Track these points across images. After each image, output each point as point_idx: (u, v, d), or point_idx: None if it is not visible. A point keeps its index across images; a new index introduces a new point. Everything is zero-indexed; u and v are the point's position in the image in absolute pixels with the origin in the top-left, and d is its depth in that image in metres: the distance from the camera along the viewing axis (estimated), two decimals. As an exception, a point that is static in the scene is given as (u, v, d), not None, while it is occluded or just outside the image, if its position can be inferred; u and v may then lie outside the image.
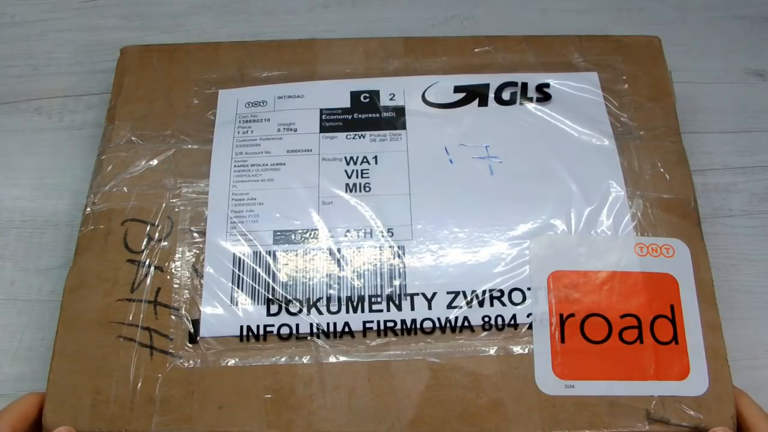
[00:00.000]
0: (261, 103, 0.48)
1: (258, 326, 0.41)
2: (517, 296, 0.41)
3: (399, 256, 0.43)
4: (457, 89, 0.48)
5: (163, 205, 0.44)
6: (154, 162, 0.46)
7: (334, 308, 0.41)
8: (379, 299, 0.41)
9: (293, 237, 0.43)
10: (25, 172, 0.51)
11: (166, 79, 0.49)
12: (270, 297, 0.42)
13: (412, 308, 0.41)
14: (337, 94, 0.48)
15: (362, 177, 0.45)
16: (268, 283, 0.42)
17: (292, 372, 0.40)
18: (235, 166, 0.45)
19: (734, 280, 0.47)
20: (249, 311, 0.41)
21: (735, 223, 0.49)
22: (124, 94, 0.48)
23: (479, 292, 0.41)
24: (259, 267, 0.42)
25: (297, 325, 0.41)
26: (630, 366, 0.40)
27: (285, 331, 0.41)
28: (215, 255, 0.43)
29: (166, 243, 0.43)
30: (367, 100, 0.48)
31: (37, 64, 0.55)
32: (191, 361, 0.40)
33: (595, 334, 0.40)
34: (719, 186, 0.51)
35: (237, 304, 0.41)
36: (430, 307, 0.41)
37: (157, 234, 0.43)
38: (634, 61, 0.49)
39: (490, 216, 0.44)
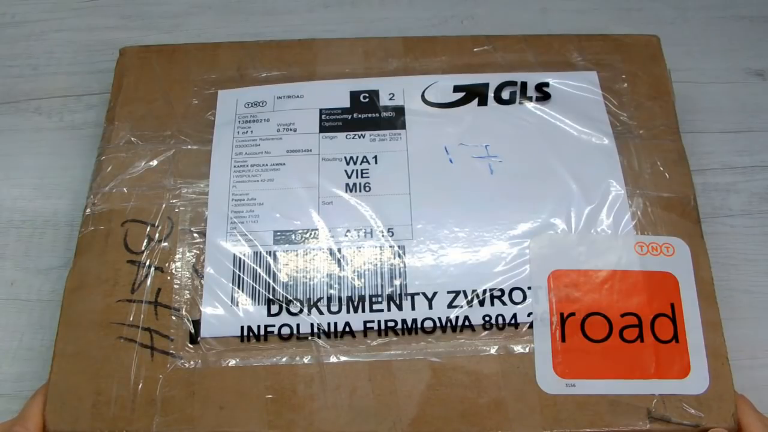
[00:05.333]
0: (260, 104, 0.48)
1: (259, 326, 0.41)
2: (517, 295, 0.41)
3: (399, 256, 0.43)
4: (457, 89, 0.48)
5: (163, 205, 0.44)
6: (154, 162, 0.46)
7: (334, 308, 0.41)
8: (379, 299, 0.41)
9: (293, 237, 0.43)
10: (25, 172, 0.51)
11: (166, 80, 0.49)
12: (270, 297, 0.42)
13: (413, 308, 0.41)
14: (336, 94, 0.48)
15: (362, 177, 0.45)
16: (269, 283, 0.42)
17: (293, 372, 0.40)
18: (234, 166, 0.45)
19: (734, 280, 0.47)
20: (249, 311, 0.41)
21: (735, 222, 0.49)
22: (123, 95, 0.48)
23: (480, 291, 0.41)
24: (260, 267, 0.42)
25: (298, 325, 0.41)
26: (631, 365, 0.40)
27: (286, 331, 0.41)
28: (215, 255, 0.43)
29: (166, 243, 0.43)
30: (367, 99, 0.48)
31: (37, 64, 0.55)
32: (192, 362, 0.40)
33: (595, 333, 0.40)
34: (719, 186, 0.51)
35: (237, 305, 0.41)
36: (430, 307, 0.41)
37: (157, 235, 0.43)
38: (634, 60, 0.49)
39: (490, 215, 0.44)
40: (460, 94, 0.48)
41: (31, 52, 0.56)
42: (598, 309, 0.41)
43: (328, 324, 0.41)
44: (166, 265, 0.42)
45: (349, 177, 0.45)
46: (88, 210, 0.44)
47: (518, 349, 0.40)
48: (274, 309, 0.41)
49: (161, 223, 0.44)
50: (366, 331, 0.41)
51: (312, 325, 0.41)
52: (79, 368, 0.40)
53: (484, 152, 0.46)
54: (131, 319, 0.41)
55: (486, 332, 0.41)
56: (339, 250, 0.43)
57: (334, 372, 0.40)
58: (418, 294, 0.42)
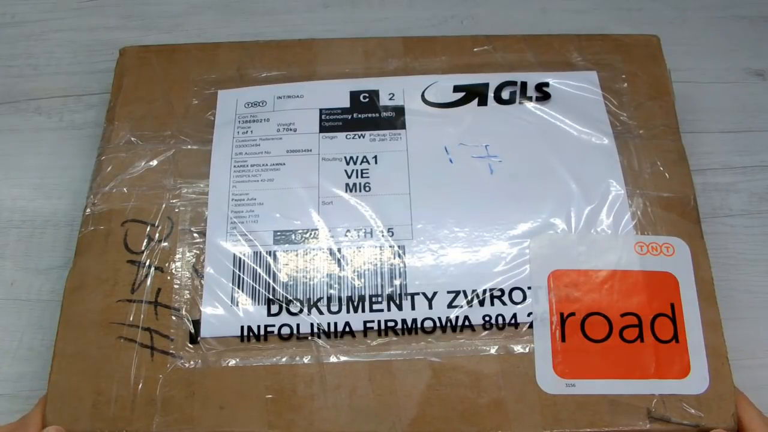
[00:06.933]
0: (260, 104, 0.48)
1: (259, 326, 0.41)
2: (517, 295, 0.41)
3: (399, 256, 0.43)
4: (457, 89, 0.48)
5: (163, 205, 0.44)
6: (154, 162, 0.46)
7: (334, 308, 0.41)
8: (379, 299, 0.41)
9: (293, 237, 0.43)
10: (25, 172, 0.51)
11: (166, 80, 0.49)
12: (270, 297, 0.42)
13: (413, 308, 0.41)
14: (336, 94, 0.48)
15: (362, 177, 0.45)
16: (269, 283, 0.42)
17: (293, 372, 0.40)
18: (234, 166, 0.45)
19: (734, 280, 0.47)
20: (249, 311, 0.41)
21: (735, 222, 0.49)
22: (123, 95, 0.48)
23: (480, 291, 0.41)
24: (260, 267, 0.42)
25: (298, 325, 0.41)
26: (631, 364, 0.40)
27: (286, 331, 0.41)
28: (215, 255, 0.43)
29: (166, 243, 0.43)
30: (367, 99, 0.48)
31: (37, 64, 0.55)
32: (192, 362, 0.40)
33: (595, 332, 0.40)
34: (719, 186, 0.51)
35: (237, 305, 0.41)
36: (430, 307, 0.41)
37: (157, 234, 0.43)
38: (633, 60, 0.49)
39: (490, 215, 0.44)
40: (460, 94, 0.48)
41: (31, 52, 0.56)
42: (598, 309, 0.41)
43: (328, 324, 0.41)
44: (166, 265, 0.42)
45: (349, 177, 0.45)
46: (88, 210, 0.44)
47: (518, 349, 0.40)
48: (274, 309, 0.41)
49: (161, 223, 0.44)
50: (366, 331, 0.41)
51: (312, 325, 0.41)
52: (79, 368, 0.40)
53: (484, 152, 0.46)
54: (131, 319, 0.41)
55: (486, 332, 0.41)
56: (339, 250, 0.43)
57: (334, 372, 0.40)
58: (418, 294, 0.42)
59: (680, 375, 0.39)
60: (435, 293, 0.41)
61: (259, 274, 0.42)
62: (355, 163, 0.45)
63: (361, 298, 0.42)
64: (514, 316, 0.41)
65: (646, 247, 0.42)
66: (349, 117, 0.47)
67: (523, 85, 0.48)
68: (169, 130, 0.47)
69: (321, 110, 0.47)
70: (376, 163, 0.45)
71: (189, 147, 0.46)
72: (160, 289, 0.42)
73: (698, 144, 0.52)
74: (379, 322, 0.41)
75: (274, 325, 0.41)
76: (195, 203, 0.44)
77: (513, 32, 0.51)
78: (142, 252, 0.43)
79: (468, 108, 0.47)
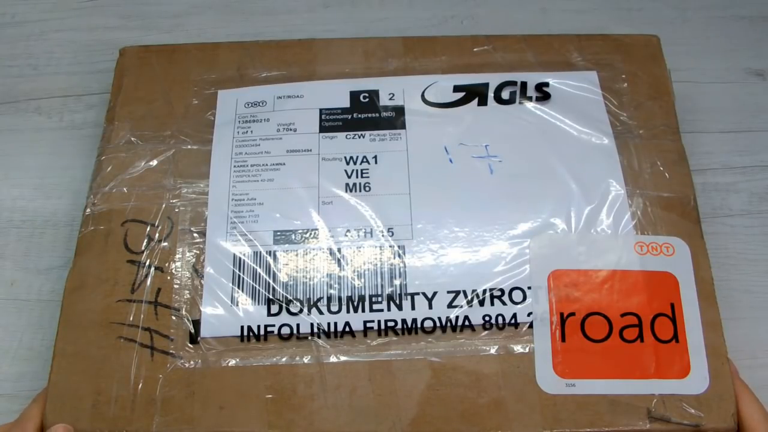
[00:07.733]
0: (260, 104, 0.48)
1: (259, 326, 0.41)
2: (517, 295, 0.41)
3: (399, 256, 0.43)
4: (457, 89, 0.48)
5: (163, 205, 0.44)
6: (154, 162, 0.46)
7: (334, 308, 0.41)
8: (379, 299, 0.41)
9: (293, 237, 0.43)
10: (25, 172, 0.51)
11: (166, 80, 0.49)
12: (270, 297, 0.42)
13: (413, 308, 0.41)
14: (336, 93, 0.48)
15: (362, 177, 0.45)
16: (269, 283, 0.42)
17: (293, 372, 0.40)
18: (234, 166, 0.45)
19: (734, 280, 0.47)
20: (249, 311, 0.41)
21: (735, 222, 0.49)
22: (123, 95, 0.48)
23: (480, 291, 0.41)
24: (260, 267, 0.42)
25: (298, 325, 0.41)
26: (631, 364, 0.40)
27: (286, 331, 0.41)
28: (215, 255, 0.43)
29: (166, 243, 0.43)
30: (367, 99, 0.48)
31: (37, 64, 0.55)
32: (192, 362, 0.40)
33: (595, 332, 0.40)
34: (719, 186, 0.51)
35: (237, 305, 0.41)
36: (430, 307, 0.41)
37: (157, 234, 0.43)
38: (633, 60, 0.49)
39: (490, 215, 0.44)
40: (460, 94, 0.48)
41: (31, 52, 0.56)
42: (598, 309, 0.41)
43: (328, 324, 0.41)
44: (166, 265, 0.42)
45: (349, 177, 0.45)
46: (88, 210, 0.44)
47: (518, 349, 0.40)
48: (274, 309, 0.41)
49: (161, 223, 0.44)
50: (366, 331, 0.41)
51: (312, 325, 0.41)
52: (79, 368, 0.40)
53: (484, 152, 0.46)
54: (131, 319, 0.41)
55: (486, 332, 0.41)
56: (339, 250, 0.43)
57: (334, 372, 0.40)
58: (418, 294, 0.42)
59: (680, 375, 0.39)
60: (435, 293, 0.41)
61: (259, 274, 0.42)
62: (355, 163, 0.45)
63: (361, 298, 0.42)
64: (514, 316, 0.41)
65: (646, 247, 0.42)
66: (349, 117, 0.47)
67: (523, 85, 0.48)
68: (169, 130, 0.47)
69: (321, 110, 0.47)
70: (376, 163, 0.45)
71: (189, 147, 0.46)
72: (160, 289, 0.42)
73: (698, 144, 0.52)
74: (379, 322, 0.41)
75: (274, 325, 0.41)
76: (195, 203, 0.44)
77: (513, 32, 0.51)
78: (142, 252, 0.43)
79: (468, 108, 0.47)
